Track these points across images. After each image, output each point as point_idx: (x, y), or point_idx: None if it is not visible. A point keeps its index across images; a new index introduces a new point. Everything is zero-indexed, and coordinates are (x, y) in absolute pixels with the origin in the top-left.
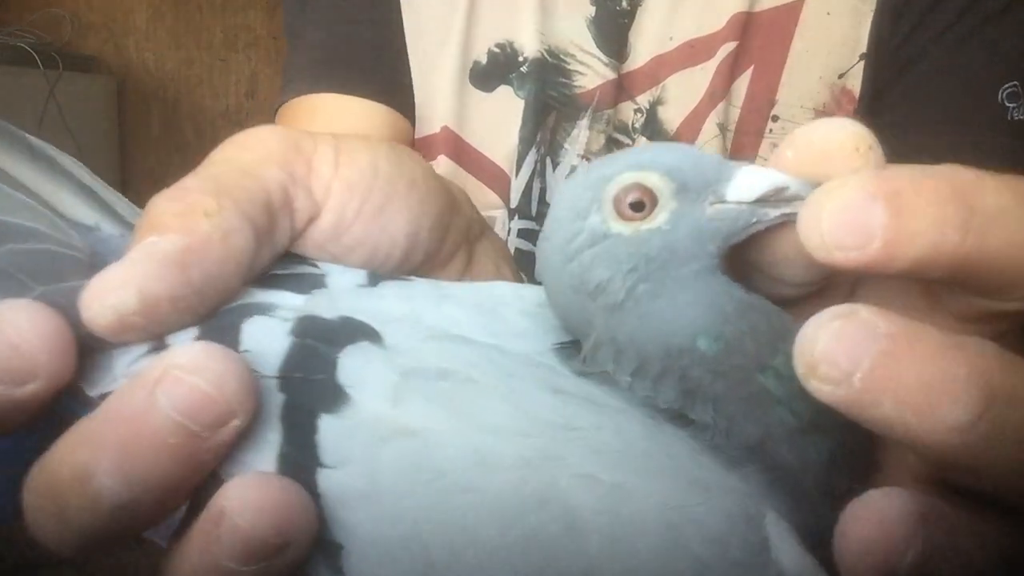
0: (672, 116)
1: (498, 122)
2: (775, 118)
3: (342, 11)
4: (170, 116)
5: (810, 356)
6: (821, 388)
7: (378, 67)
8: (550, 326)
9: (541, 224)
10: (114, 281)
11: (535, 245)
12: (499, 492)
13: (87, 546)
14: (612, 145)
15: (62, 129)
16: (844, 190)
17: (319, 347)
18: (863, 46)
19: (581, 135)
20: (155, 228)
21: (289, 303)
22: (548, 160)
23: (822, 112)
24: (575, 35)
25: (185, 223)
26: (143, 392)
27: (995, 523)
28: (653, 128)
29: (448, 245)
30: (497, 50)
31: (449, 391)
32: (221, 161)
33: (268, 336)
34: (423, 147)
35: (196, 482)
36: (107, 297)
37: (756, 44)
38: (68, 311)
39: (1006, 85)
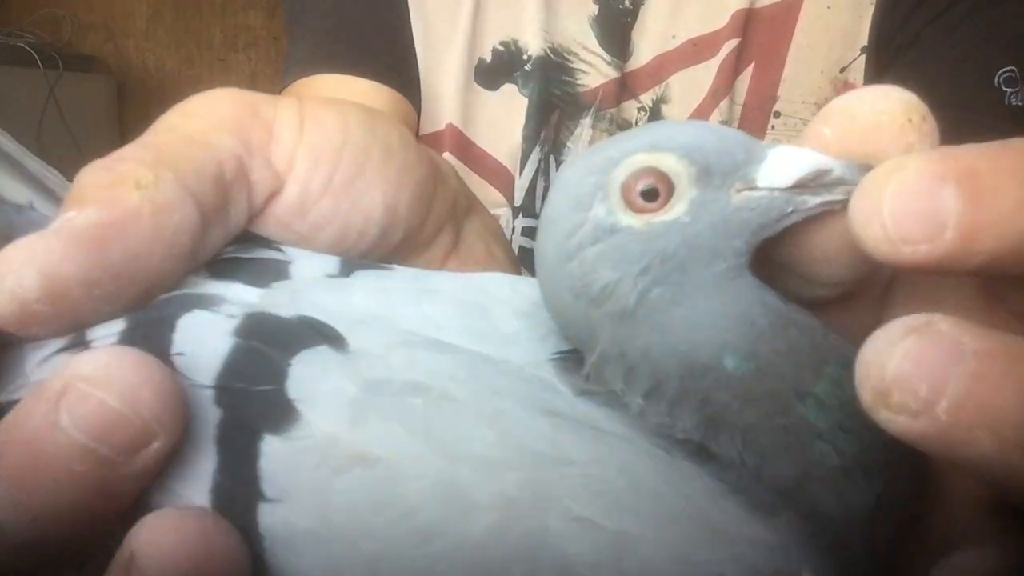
0: (676, 114)
1: (502, 120)
2: (777, 114)
3: (345, 4)
4: None
5: (879, 382)
6: (895, 420)
7: (383, 52)
8: (548, 329)
9: None
10: (13, 261)
11: None
12: (478, 537)
13: None
14: None
15: (62, 129)
16: (906, 171)
17: (268, 351)
18: (864, 39)
19: (584, 133)
20: (78, 202)
21: (240, 297)
22: (552, 158)
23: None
24: (578, 34)
25: (111, 195)
26: (44, 409)
27: None
28: None
29: (432, 221)
30: (502, 48)
31: (420, 410)
32: (165, 129)
33: (207, 335)
34: (428, 144)
35: (115, 514)
36: (3, 280)
37: (757, 40)
38: None
39: (1003, 70)
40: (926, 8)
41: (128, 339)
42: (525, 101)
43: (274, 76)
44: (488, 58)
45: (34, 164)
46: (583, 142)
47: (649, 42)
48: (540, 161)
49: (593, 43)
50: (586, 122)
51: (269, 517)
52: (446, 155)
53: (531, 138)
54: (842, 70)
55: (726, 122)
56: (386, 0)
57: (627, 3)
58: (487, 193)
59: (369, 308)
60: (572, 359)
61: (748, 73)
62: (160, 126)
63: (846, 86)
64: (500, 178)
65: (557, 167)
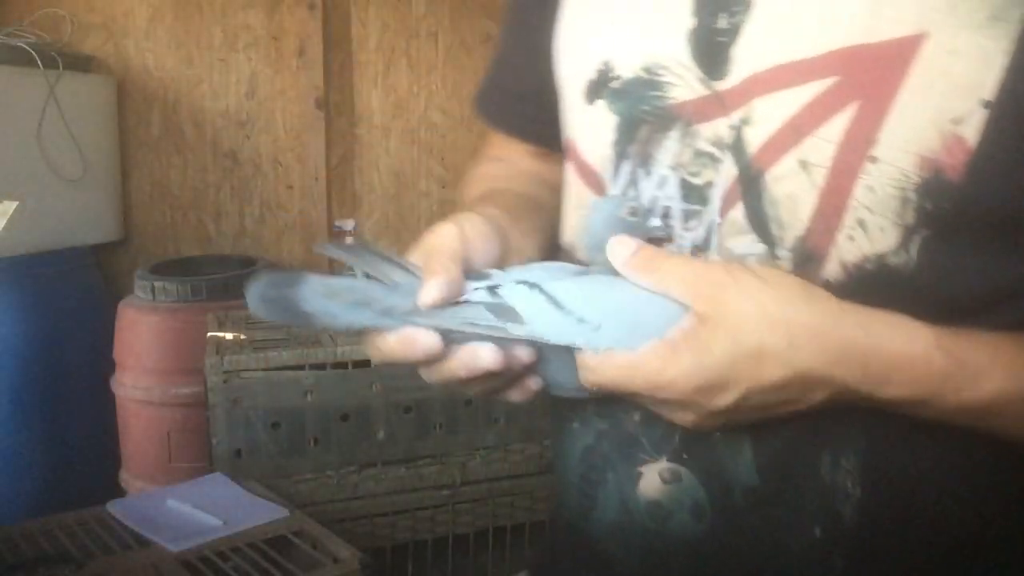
0: (754, 138)
1: (595, 132)
2: (874, 159)
3: (516, 39)
4: (170, 116)
5: (612, 255)
6: (614, 264)
7: (535, 115)
8: (569, 269)
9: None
10: (430, 288)
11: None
12: (579, 297)
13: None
14: (703, 158)
15: (62, 129)
16: (630, 252)
17: (498, 286)
18: (989, 92)
19: (672, 147)
20: (434, 273)
21: (489, 280)
22: (640, 171)
23: (928, 160)
24: (674, 48)
25: (443, 268)
26: (471, 353)
27: None
28: (738, 149)
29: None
30: (602, 67)
31: (546, 285)
32: (435, 239)
33: (514, 291)
34: (565, 150)
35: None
36: (431, 293)
37: (863, 78)
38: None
39: None
40: None
41: (490, 293)
42: (616, 118)
43: (274, 76)
44: (594, 76)
45: (403, 260)
46: (671, 154)
47: (746, 61)
48: (630, 174)
49: (687, 58)
50: (674, 135)
51: (518, 320)
52: (568, 164)
53: (621, 152)
54: (956, 123)
55: (805, 161)
56: (542, 61)
57: (724, 23)
58: (586, 194)
59: (516, 275)
60: (581, 269)
61: (849, 112)
62: (427, 243)
63: (957, 141)
64: (595, 183)
65: (648, 176)
